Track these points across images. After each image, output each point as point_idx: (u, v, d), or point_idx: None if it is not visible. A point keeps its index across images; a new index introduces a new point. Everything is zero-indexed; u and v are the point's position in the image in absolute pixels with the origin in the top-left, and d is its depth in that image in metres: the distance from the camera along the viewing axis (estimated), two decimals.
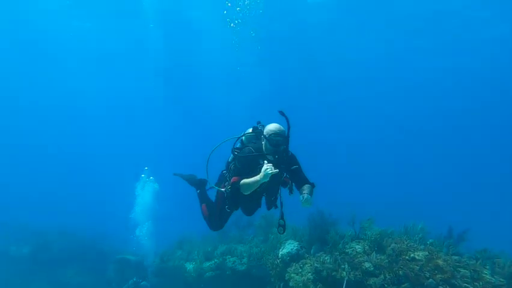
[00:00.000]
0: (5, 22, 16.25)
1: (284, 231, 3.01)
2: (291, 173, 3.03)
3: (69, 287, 9.56)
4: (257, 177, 2.61)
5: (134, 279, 8.30)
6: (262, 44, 14.97)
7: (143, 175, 11.21)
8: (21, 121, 27.53)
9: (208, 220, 3.53)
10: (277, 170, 2.56)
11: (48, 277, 9.65)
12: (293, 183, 3.04)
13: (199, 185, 3.85)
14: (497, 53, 15.96)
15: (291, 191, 3.03)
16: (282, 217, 3.00)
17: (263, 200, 3.23)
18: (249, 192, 2.75)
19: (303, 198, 2.70)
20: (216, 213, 3.37)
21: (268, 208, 3.19)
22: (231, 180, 2.93)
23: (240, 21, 12.51)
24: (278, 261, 5.78)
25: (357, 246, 5.20)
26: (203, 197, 3.77)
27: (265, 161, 2.63)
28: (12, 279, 9.44)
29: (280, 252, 5.84)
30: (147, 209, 10.59)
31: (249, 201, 3.15)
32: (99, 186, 27.54)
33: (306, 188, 2.89)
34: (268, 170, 2.52)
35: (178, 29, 16.29)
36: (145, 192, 10.86)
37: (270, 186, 3.00)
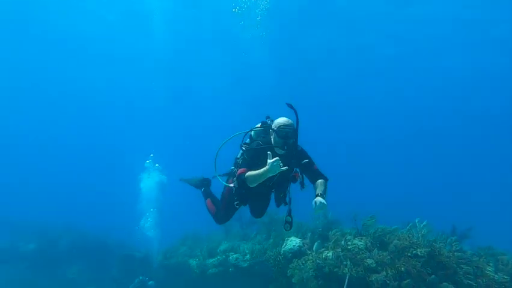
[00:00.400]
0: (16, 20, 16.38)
1: (291, 228, 2.93)
2: (302, 168, 2.97)
3: (74, 283, 9.63)
4: (264, 169, 2.47)
5: (141, 278, 8.13)
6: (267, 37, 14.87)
7: (148, 161, 11.01)
8: (24, 119, 27.55)
9: (213, 214, 3.55)
10: (286, 167, 2.45)
11: (54, 273, 9.73)
12: (304, 178, 2.97)
13: (203, 184, 3.86)
14: (498, 52, 15.85)
15: (302, 186, 2.94)
16: (289, 214, 2.90)
17: (271, 198, 3.17)
18: (255, 184, 2.67)
19: (315, 204, 2.57)
20: (222, 208, 3.36)
21: (278, 205, 3.12)
22: (238, 172, 2.87)
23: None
24: (280, 257, 5.82)
25: (359, 243, 5.21)
26: (207, 194, 3.78)
27: (269, 153, 2.47)
28: (18, 275, 9.51)
29: (283, 249, 5.88)
30: (152, 198, 10.45)
31: (257, 198, 3.10)
32: (104, 181, 27.81)
33: (319, 186, 2.82)
34: (275, 162, 2.38)
35: (183, 24, 16.31)
36: (151, 180, 10.69)
37: (280, 182, 2.93)
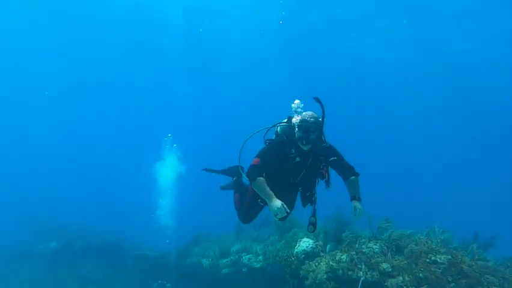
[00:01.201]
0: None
1: (315, 230, 2.77)
2: (331, 165, 2.87)
3: (88, 281, 9.65)
4: (271, 197, 2.48)
5: (160, 282, 8.21)
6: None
7: (165, 139, 10.77)
8: (39, 116, 27.43)
9: (238, 211, 3.46)
10: (285, 215, 2.44)
11: (69, 271, 9.84)
12: (330, 176, 2.89)
13: (236, 172, 3.62)
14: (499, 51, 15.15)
15: (327, 185, 2.86)
16: (314, 214, 2.76)
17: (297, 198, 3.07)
18: (255, 191, 2.66)
19: (355, 212, 2.66)
20: (246, 205, 3.26)
21: (304, 205, 2.95)
22: (253, 161, 2.73)
23: None
24: (293, 258, 5.78)
25: (374, 247, 5.09)
26: (238, 186, 3.60)
27: (283, 205, 2.42)
28: (35, 274, 9.67)
29: (296, 250, 5.84)
30: (169, 184, 10.24)
31: (281, 197, 2.89)
32: (119, 179, 28.28)
33: (352, 186, 2.80)
34: (282, 213, 2.39)
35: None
36: (168, 163, 10.42)
37: (307, 179, 2.83)
